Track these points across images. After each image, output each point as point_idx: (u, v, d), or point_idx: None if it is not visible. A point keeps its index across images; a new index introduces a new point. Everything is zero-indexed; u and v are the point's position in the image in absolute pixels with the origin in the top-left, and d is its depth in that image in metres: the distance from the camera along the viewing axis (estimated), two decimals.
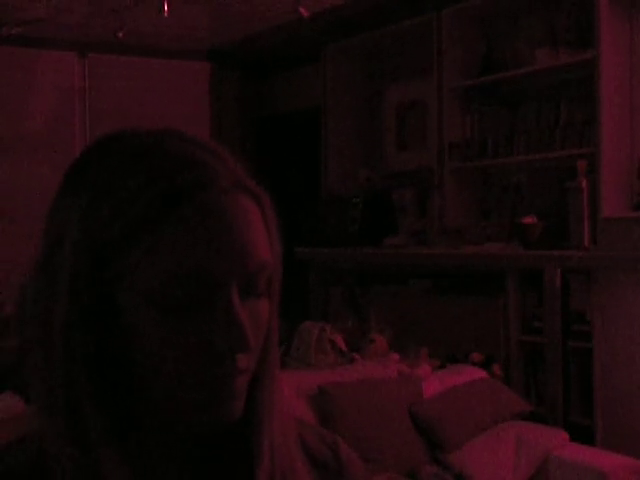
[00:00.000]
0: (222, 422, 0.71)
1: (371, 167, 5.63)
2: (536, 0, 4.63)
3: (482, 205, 4.97)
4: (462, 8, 4.83)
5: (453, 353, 4.35)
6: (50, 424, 0.70)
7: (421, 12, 5.01)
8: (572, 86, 4.42)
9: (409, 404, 3.52)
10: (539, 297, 4.28)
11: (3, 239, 5.69)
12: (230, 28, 5.81)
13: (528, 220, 4.24)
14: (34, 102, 5.87)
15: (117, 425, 0.70)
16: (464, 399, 3.63)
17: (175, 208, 0.67)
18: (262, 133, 6.79)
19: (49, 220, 0.73)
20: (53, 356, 0.69)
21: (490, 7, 4.79)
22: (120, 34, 5.03)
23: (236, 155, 0.76)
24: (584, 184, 4.00)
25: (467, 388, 3.73)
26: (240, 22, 5.62)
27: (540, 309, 4.28)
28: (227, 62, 6.57)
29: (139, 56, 6.25)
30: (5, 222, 5.71)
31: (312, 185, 5.95)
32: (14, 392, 3.27)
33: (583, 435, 3.79)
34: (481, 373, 3.95)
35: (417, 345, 4.19)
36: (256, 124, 6.80)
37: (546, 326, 4.13)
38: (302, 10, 4.52)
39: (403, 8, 5.07)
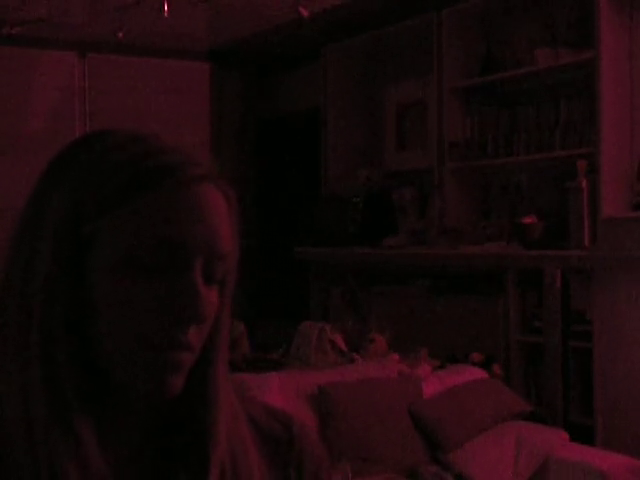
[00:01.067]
0: (161, 394, 0.74)
1: (371, 167, 5.63)
2: (536, 0, 4.63)
3: (482, 205, 4.97)
4: (462, 8, 4.83)
5: (453, 353, 4.35)
6: (20, 390, 0.72)
7: (421, 12, 5.01)
8: (572, 86, 4.42)
9: (409, 404, 3.52)
10: (539, 297, 4.28)
11: (3, 239, 5.69)
12: (230, 28, 5.81)
13: (528, 220, 4.24)
14: (34, 102, 5.87)
15: (86, 390, 0.73)
16: (464, 399, 3.63)
17: (156, 182, 0.73)
18: (262, 133, 6.79)
19: (27, 206, 0.78)
20: (32, 323, 0.72)
21: (490, 7, 4.79)
22: (120, 34, 5.02)
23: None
24: (584, 184, 4.00)
25: (467, 388, 3.74)
26: (240, 22, 5.62)
27: (540, 309, 4.28)
28: (227, 62, 6.57)
29: (139, 56, 6.25)
30: (5, 222, 5.71)
31: (312, 185, 5.94)
32: None
33: (583, 435, 3.79)
34: (481, 373, 3.95)
35: (417, 345, 4.20)
36: (256, 124, 6.80)
37: (546, 326, 4.13)
38: (302, 10, 4.52)
39: (403, 8, 5.07)
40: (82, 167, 0.76)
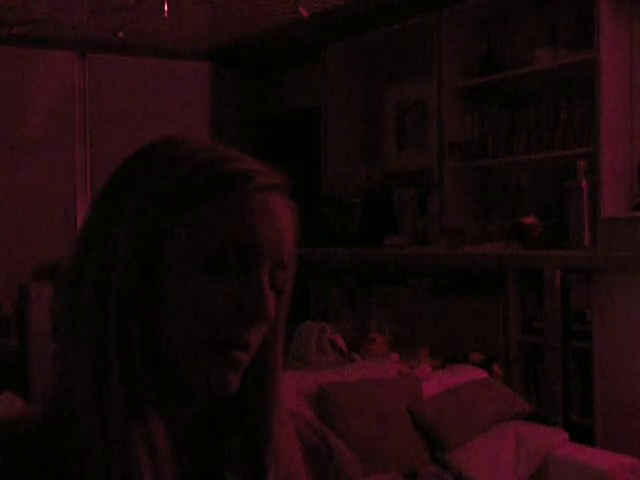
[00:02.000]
0: (219, 391, 0.76)
1: (371, 167, 5.63)
2: (536, 0, 4.63)
3: (482, 205, 4.97)
4: (462, 8, 4.83)
5: (453, 353, 4.36)
6: (86, 387, 0.74)
7: (421, 12, 5.01)
8: (572, 86, 4.42)
9: (409, 404, 3.52)
10: (539, 297, 4.28)
11: (3, 239, 5.69)
12: (230, 28, 5.81)
13: (528, 220, 4.24)
14: (34, 102, 5.87)
15: (149, 390, 0.75)
16: (464, 399, 3.63)
17: (225, 187, 0.76)
18: (262, 133, 6.79)
19: (95, 211, 0.78)
20: (109, 319, 0.74)
21: (490, 7, 4.79)
22: (120, 34, 5.03)
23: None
24: (584, 184, 4.00)
25: (467, 388, 3.73)
26: (240, 22, 5.62)
27: (540, 309, 4.27)
28: (227, 62, 6.57)
29: (139, 56, 6.25)
30: (5, 222, 5.71)
31: (312, 185, 5.95)
32: (14, 392, 3.27)
33: (583, 435, 3.79)
34: (481, 373, 3.95)
35: (417, 345, 4.20)
36: (256, 124, 6.80)
37: (546, 326, 4.13)
38: (302, 10, 4.52)
39: (403, 8, 5.07)
40: (163, 164, 0.77)
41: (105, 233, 0.76)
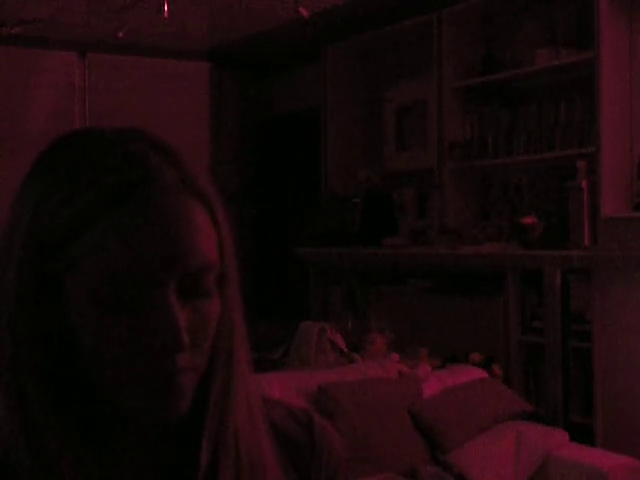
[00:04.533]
0: (166, 418, 0.71)
1: (371, 167, 5.63)
2: (536, 0, 4.63)
3: (482, 205, 4.97)
4: (462, 8, 4.83)
5: (453, 353, 4.35)
6: (5, 420, 0.71)
7: (421, 12, 5.01)
8: (572, 86, 4.42)
9: (409, 404, 3.52)
10: (539, 297, 4.28)
11: None
12: (230, 28, 5.81)
13: (528, 220, 4.24)
14: (34, 102, 5.87)
15: (69, 417, 0.71)
16: (464, 399, 3.63)
17: (113, 205, 0.68)
18: (262, 133, 6.79)
19: (10, 210, 0.74)
20: (2, 348, 0.70)
21: (490, 7, 4.79)
22: (120, 34, 5.03)
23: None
24: (584, 184, 4.00)
25: (467, 388, 3.73)
26: (240, 22, 5.62)
27: (540, 309, 4.27)
28: (227, 62, 6.57)
29: (139, 56, 6.25)
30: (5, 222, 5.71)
31: (312, 185, 5.95)
32: None
33: (583, 435, 3.79)
34: (481, 373, 3.95)
35: (417, 345, 4.20)
36: (256, 124, 6.80)
37: (546, 326, 4.13)
38: (302, 10, 4.52)
39: (403, 8, 5.07)
40: (43, 188, 0.71)
41: (3, 253, 0.72)
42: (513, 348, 4.45)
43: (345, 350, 3.97)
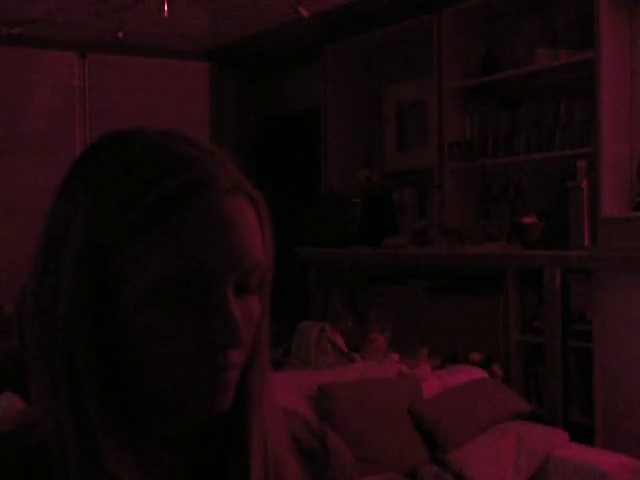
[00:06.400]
0: (211, 414, 0.73)
1: (371, 167, 5.63)
2: (536, 0, 4.63)
3: (482, 205, 4.97)
4: (462, 8, 4.83)
5: (453, 353, 4.35)
6: (52, 414, 0.72)
7: (421, 12, 5.01)
8: (572, 86, 4.42)
9: (409, 404, 3.52)
10: (539, 297, 4.28)
11: (3, 239, 5.69)
12: (230, 28, 5.81)
13: (528, 220, 4.24)
14: (34, 102, 5.87)
15: (119, 409, 0.73)
16: (464, 399, 3.63)
17: (174, 208, 0.70)
18: (262, 133, 6.79)
19: (50, 218, 0.74)
20: (56, 349, 0.71)
21: (490, 7, 4.79)
22: (120, 34, 5.03)
23: (235, 157, 0.78)
24: (584, 184, 4.00)
25: (467, 388, 3.73)
26: (240, 22, 5.62)
27: (540, 309, 4.27)
28: (227, 62, 6.57)
29: (139, 56, 6.25)
30: (5, 222, 5.71)
31: (312, 185, 5.95)
32: (14, 392, 3.27)
33: (583, 435, 3.79)
34: (481, 373, 3.95)
35: (417, 345, 4.19)
36: (256, 124, 6.80)
37: (546, 326, 4.13)
38: (302, 10, 4.52)
39: (403, 8, 5.07)
40: (95, 194, 0.72)
41: (52, 266, 0.72)
42: (513, 348, 4.45)
43: (345, 350, 3.97)
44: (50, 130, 5.90)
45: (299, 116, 6.43)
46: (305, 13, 4.54)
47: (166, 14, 4.55)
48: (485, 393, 3.72)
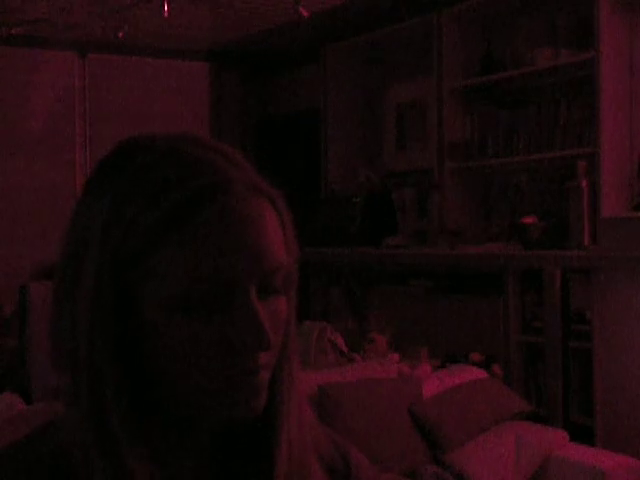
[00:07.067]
0: (244, 418, 0.73)
1: (371, 167, 5.63)
2: (536, 0, 4.63)
3: (482, 205, 4.97)
4: (462, 8, 4.83)
5: (453, 353, 4.35)
6: (74, 417, 0.71)
7: (421, 12, 5.01)
8: (572, 86, 4.42)
9: (409, 404, 3.52)
10: (539, 297, 4.28)
11: (3, 239, 5.69)
12: (230, 28, 5.81)
13: (528, 220, 4.24)
14: (34, 102, 5.87)
15: (141, 418, 0.72)
16: (464, 399, 3.63)
17: (194, 212, 0.69)
18: (262, 133, 6.79)
19: (72, 224, 0.74)
20: (79, 355, 0.71)
21: (490, 7, 4.79)
22: (120, 34, 5.03)
23: (249, 159, 0.77)
24: (584, 184, 4.00)
25: (467, 388, 3.73)
26: (240, 22, 5.62)
27: (540, 309, 4.28)
28: (227, 62, 6.57)
29: (139, 56, 6.25)
30: (5, 222, 5.71)
31: (312, 185, 5.95)
32: (14, 392, 3.27)
33: (583, 435, 3.79)
34: (481, 373, 3.95)
35: (417, 345, 4.20)
36: (256, 124, 6.80)
37: (546, 326, 4.13)
38: (302, 10, 4.52)
39: (403, 8, 5.06)
40: (111, 203, 0.71)
41: (72, 272, 0.72)
42: (513, 348, 4.45)
43: (345, 350, 3.97)
44: (50, 130, 5.90)
45: (299, 116, 6.43)
46: (305, 13, 4.54)
47: (166, 14, 4.55)
48: (485, 393, 3.72)
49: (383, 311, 4.88)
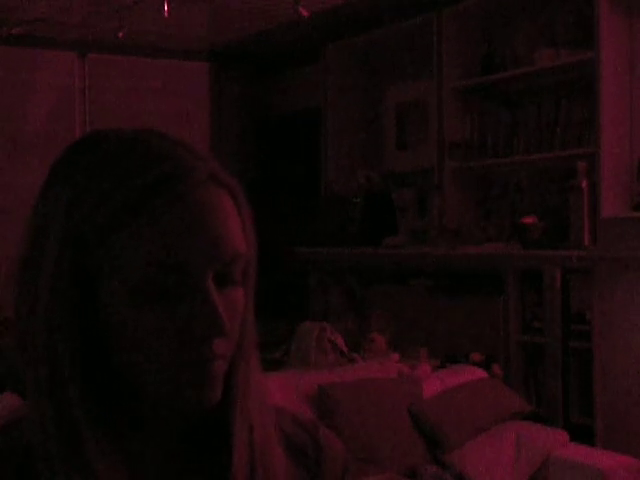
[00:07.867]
0: (201, 406, 0.73)
1: (371, 167, 5.63)
2: (536, 0, 4.63)
3: (482, 205, 4.97)
4: (462, 8, 4.83)
5: (453, 353, 4.35)
6: (36, 411, 0.71)
7: (421, 12, 5.01)
8: (572, 86, 4.42)
9: (409, 404, 3.52)
10: (539, 297, 4.28)
11: (3, 239, 5.68)
12: (230, 28, 5.81)
13: (528, 220, 4.24)
14: (34, 102, 5.87)
15: (101, 410, 0.72)
16: (464, 399, 3.63)
17: (151, 200, 0.70)
18: (262, 133, 6.79)
19: (34, 213, 0.75)
20: (37, 345, 0.71)
21: (490, 7, 4.79)
22: (120, 34, 5.02)
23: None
24: (584, 184, 4.00)
25: (467, 388, 3.73)
26: (240, 22, 5.62)
27: (540, 309, 4.27)
28: (227, 62, 6.57)
29: (139, 56, 6.25)
30: (5, 222, 5.71)
31: (312, 185, 5.95)
32: (14, 392, 3.27)
33: (583, 435, 3.79)
34: (481, 373, 3.95)
35: (417, 345, 4.20)
36: (256, 124, 6.80)
37: (546, 326, 4.13)
38: (302, 10, 4.52)
39: (403, 8, 5.07)
40: (74, 188, 0.72)
41: (32, 265, 0.73)
42: (513, 348, 4.45)
43: (345, 350, 3.97)
44: (50, 130, 5.90)
45: (299, 116, 6.43)
46: (305, 13, 4.54)
47: (166, 14, 4.55)
48: (485, 393, 3.72)
49: (383, 311, 4.88)
